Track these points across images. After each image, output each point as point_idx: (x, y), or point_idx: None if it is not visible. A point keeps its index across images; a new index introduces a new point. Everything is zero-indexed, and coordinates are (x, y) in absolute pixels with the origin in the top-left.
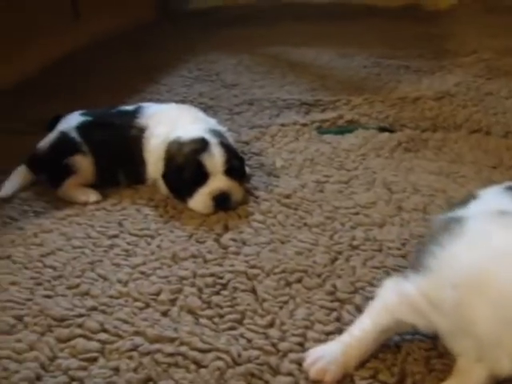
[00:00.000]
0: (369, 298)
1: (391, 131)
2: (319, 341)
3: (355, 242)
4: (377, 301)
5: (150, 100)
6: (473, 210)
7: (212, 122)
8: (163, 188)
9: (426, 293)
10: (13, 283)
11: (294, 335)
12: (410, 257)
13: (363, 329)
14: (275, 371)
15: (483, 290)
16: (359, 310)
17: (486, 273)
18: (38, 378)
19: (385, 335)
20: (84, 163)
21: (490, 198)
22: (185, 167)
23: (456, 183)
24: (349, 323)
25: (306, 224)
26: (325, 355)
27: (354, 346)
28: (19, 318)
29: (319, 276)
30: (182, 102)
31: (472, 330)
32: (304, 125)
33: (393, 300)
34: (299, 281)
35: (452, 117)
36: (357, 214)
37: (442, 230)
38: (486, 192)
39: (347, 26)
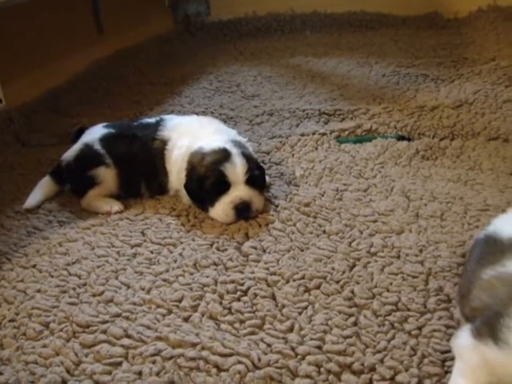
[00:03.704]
0: (385, 304)
1: (409, 140)
2: (337, 343)
3: (373, 249)
4: (461, 363)
5: (172, 112)
6: None
7: (233, 133)
8: (185, 198)
9: (509, 370)
10: (39, 291)
11: (312, 339)
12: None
13: None
14: (294, 374)
15: None
16: (376, 315)
17: None
18: (64, 382)
19: None
20: (107, 175)
21: None
22: (207, 177)
23: (473, 190)
24: (365, 327)
25: (324, 231)
26: None
27: None
28: (45, 325)
29: (337, 282)
30: (204, 113)
31: None
32: (323, 134)
33: (478, 365)
34: (318, 287)
35: (470, 124)
36: (375, 221)
37: (509, 295)
38: None
39: (366, 36)
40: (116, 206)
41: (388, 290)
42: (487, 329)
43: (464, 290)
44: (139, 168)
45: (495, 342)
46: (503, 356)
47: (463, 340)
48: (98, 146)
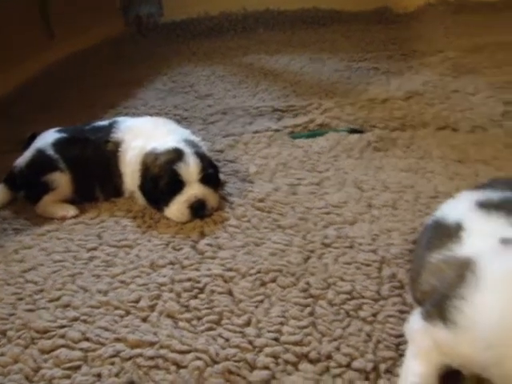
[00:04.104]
0: (340, 293)
1: (361, 132)
2: (294, 334)
3: (327, 241)
4: (413, 345)
5: (126, 114)
6: (472, 243)
7: (186, 133)
8: (140, 199)
9: (460, 351)
10: None
11: (269, 331)
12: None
13: (420, 374)
14: (252, 366)
15: None
16: (331, 304)
17: None
18: None
19: (442, 370)
20: (61, 179)
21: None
22: (161, 177)
23: (424, 178)
24: (321, 317)
25: (279, 226)
26: None
27: None
28: (3, 333)
29: (293, 275)
30: (158, 114)
31: None
32: (276, 131)
33: (429, 346)
34: (274, 280)
35: (420, 115)
36: (329, 213)
37: (456, 278)
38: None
39: (318, 32)
40: (72, 211)
41: (342, 280)
42: (436, 311)
43: (414, 275)
44: (93, 171)
45: (444, 323)
46: (452, 336)
47: (414, 323)
48: (50, 151)
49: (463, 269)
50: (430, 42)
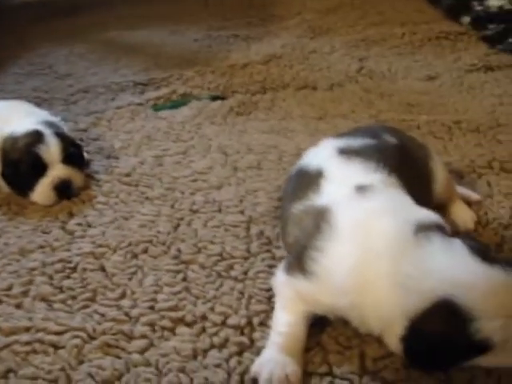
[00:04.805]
0: (211, 255)
1: (223, 98)
2: (168, 300)
3: (195, 207)
4: (279, 297)
5: None
6: (330, 191)
7: (44, 114)
8: (3, 186)
9: (320, 300)
10: None
11: (144, 301)
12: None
13: (287, 323)
14: (130, 337)
15: (369, 290)
16: (203, 267)
17: (368, 273)
18: None
19: (309, 317)
20: None
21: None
22: (21, 161)
23: (286, 138)
24: (194, 281)
25: (147, 198)
26: (272, 365)
27: (291, 340)
28: None
29: (163, 244)
30: (16, 99)
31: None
32: (139, 104)
33: (293, 297)
34: (145, 251)
35: (280, 77)
36: (195, 180)
37: (312, 228)
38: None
39: (177, 3)
40: None
41: (212, 243)
42: (296, 262)
43: (283, 227)
44: None
45: (303, 273)
46: (312, 286)
47: (278, 276)
48: None
49: (319, 219)
50: (287, 5)
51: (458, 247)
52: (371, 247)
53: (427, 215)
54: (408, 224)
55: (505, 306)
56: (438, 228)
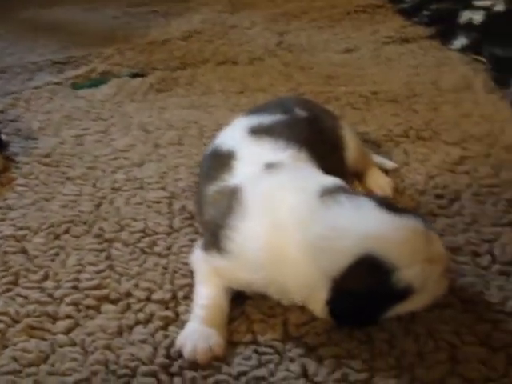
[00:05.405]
0: (134, 232)
1: (143, 75)
2: (92, 279)
3: (117, 185)
4: (198, 273)
5: None
6: (241, 171)
7: None
8: None
9: (236, 276)
10: None
11: (67, 281)
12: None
13: (207, 296)
14: (54, 318)
15: (285, 262)
16: (126, 245)
17: (281, 245)
18: None
19: (226, 291)
20: None
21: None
22: None
23: (207, 113)
24: (117, 258)
25: (68, 178)
26: (195, 337)
27: (213, 312)
28: None
29: (85, 223)
30: None
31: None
32: (58, 84)
33: (210, 273)
34: (67, 232)
35: (200, 53)
36: (116, 158)
37: (226, 208)
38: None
39: None
40: None
41: (135, 220)
42: (212, 240)
43: (198, 206)
44: None
45: (219, 252)
46: (228, 264)
47: (196, 254)
48: None
49: (231, 198)
50: None
51: (366, 203)
52: (279, 219)
53: (331, 180)
54: (312, 190)
55: (419, 251)
56: (343, 190)
